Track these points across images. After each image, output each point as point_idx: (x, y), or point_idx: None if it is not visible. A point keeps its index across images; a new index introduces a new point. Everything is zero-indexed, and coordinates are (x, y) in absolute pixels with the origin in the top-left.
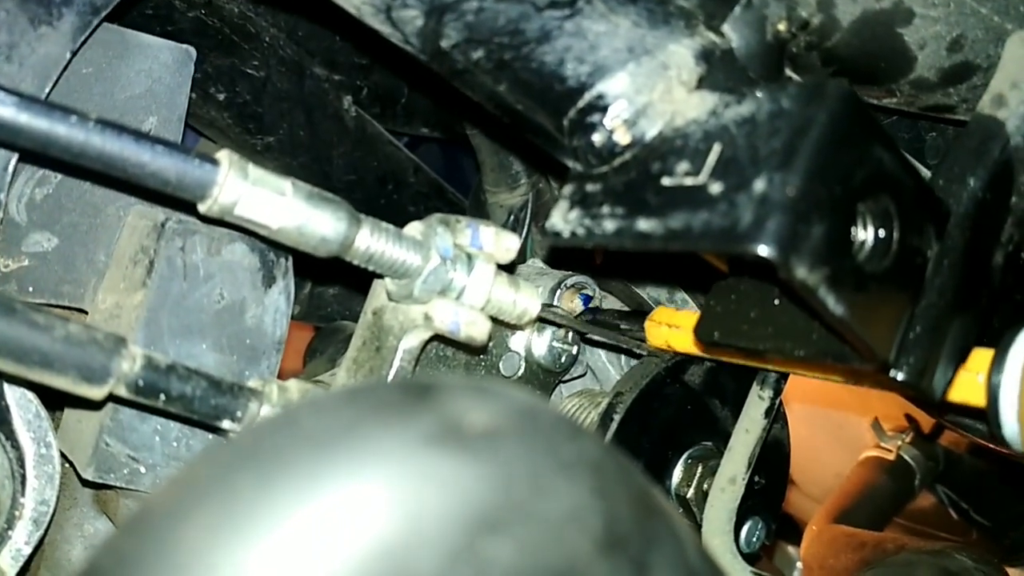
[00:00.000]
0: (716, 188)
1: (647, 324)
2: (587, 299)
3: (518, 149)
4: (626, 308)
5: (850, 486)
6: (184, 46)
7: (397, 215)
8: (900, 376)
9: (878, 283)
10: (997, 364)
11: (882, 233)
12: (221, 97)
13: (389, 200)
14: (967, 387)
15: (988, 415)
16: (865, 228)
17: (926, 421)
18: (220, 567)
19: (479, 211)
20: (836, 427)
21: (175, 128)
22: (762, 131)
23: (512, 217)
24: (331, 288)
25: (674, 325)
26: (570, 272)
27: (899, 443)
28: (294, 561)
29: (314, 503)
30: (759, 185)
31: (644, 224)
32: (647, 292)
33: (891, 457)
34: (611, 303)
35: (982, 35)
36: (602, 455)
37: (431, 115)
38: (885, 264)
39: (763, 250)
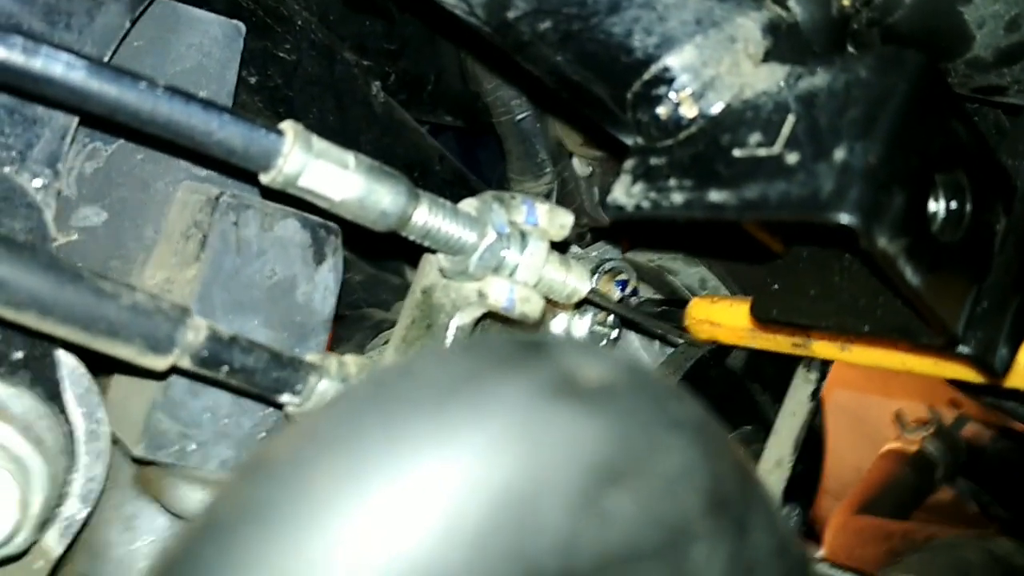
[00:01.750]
0: (793, 158)
1: (688, 311)
2: (623, 284)
3: (545, 137)
4: (660, 296)
5: (872, 478)
6: (234, 21)
7: None
8: (967, 350)
9: (950, 256)
10: None
11: (955, 205)
12: (253, 80)
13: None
14: None
15: None
16: (938, 200)
17: (949, 414)
18: (352, 513)
19: None
20: (857, 422)
21: (224, 103)
22: (839, 101)
23: None
24: (357, 276)
25: (714, 317)
26: (607, 256)
27: (921, 436)
28: (424, 507)
29: (441, 451)
30: (839, 154)
31: (716, 195)
32: (679, 279)
33: (913, 449)
34: (643, 289)
35: None
36: (706, 418)
37: (456, 103)
38: (957, 237)
39: (846, 218)
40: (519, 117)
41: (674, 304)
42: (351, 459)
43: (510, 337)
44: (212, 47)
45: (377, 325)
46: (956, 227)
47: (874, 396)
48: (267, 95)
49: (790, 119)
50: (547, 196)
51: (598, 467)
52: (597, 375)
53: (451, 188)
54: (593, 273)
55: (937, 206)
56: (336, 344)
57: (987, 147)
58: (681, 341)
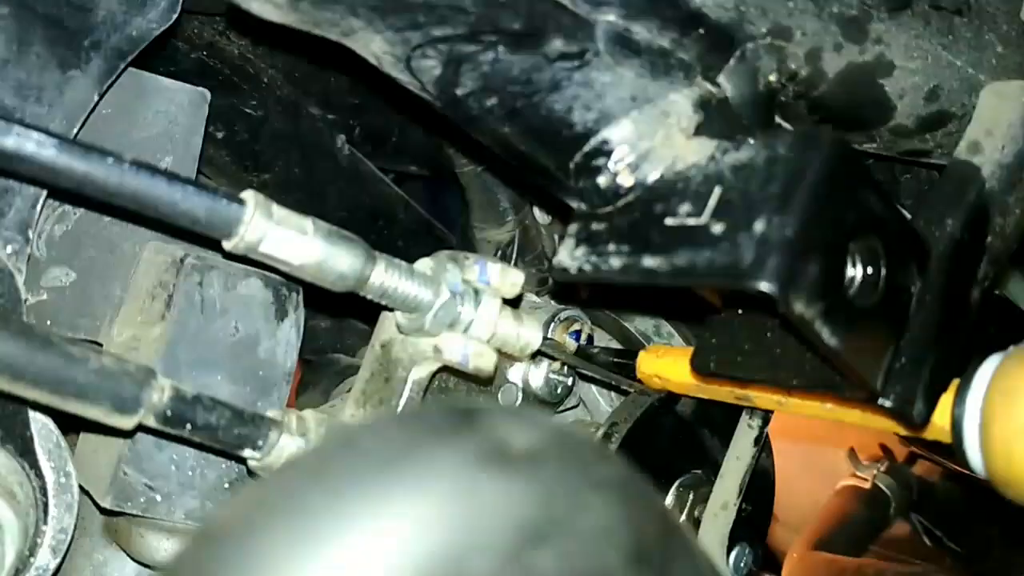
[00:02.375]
0: (718, 228)
1: (638, 364)
2: (577, 335)
3: (505, 187)
4: (616, 342)
5: (827, 514)
6: (200, 89)
7: (387, 250)
8: (887, 404)
9: (867, 317)
10: (960, 396)
11: (871, 271)
12: (220, 135)
13: (380, 236)
14: (943, 416)
15: (953, 444)
16: (855, 266)
17: (900, 451)
18: None
19: (467, 247)
20: (812, 458)
21: (189, 168)
22: (760, 175)
23: (500, 253)
24: (323, 322)
25: (660, 371)
26: (563, 306)
27: (874, 472)
28: (363, 570)
29: (378, 522)
30: (759, 226)
31: (649, 261)
32: (634, 326)
33: (867, 486)
34: (600, 336)
35: (957, 85)
36: (628, 476)
37: (420, 154)
38: (874, 299)
39: (765, 286)
40: (480, 168)
41: (627, 355)
42: (293, 530)
43: (446, 407)
44: (178, 114)
45: (342, 371)
46: (872, 290)
47: (830, 433)
48: (234, 150)
49: (717, 191)
50: (509, 243)
51: (524, 529)
52: (525, 442)
53: (416, 236)
54: (549, 323)
55: (854, 271)
56: (303, 389)
57: (900, 215)
58: (633, 390)
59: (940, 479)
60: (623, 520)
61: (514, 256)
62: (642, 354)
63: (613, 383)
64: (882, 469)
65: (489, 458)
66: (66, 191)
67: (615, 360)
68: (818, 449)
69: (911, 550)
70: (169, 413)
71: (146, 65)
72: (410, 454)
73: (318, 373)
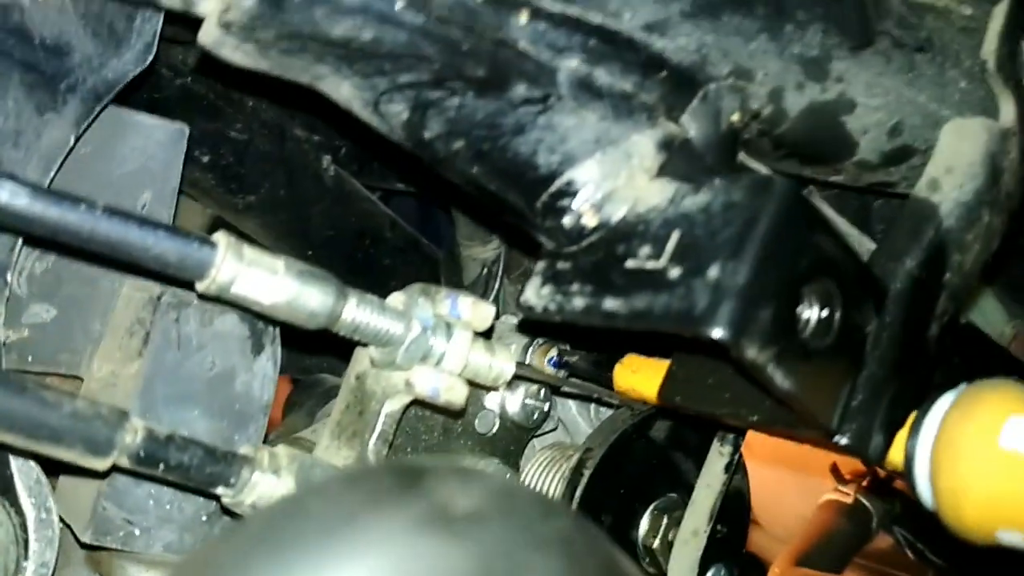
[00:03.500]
0: (675, 272)
1: (616, 372)
2: (556, 362)
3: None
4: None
5: (811, 529)
6: (178, 124)
7: (374, 269)
8: (843, 441)
9: (822, 357)
10: (914, 430)
11: (825, 312)
12: (205, 159)
13: (367, 254)
14: (900, 451)
15: (906, 477)
16: (810, 308)
17: None
18: None
19: (453, 264)
20: (798, 471)
21: (169, 202)
22: (716, 221)
23: (485, 270)
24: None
25: (636, 385)
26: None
27: (856, 487)
28: None
29: None
30: (713, 272)
31: (610, 303)
32: None
33: (849, 500)
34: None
35: (920, 121)
36: (572, 529)
37: (407, 171)
38: (828, 340)
39: (716, 333)
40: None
41: (607, 364)
42: None
43: (394, 467)
44: (156, 150)
45: (328, 392)
46: (827, 331)
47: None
48: (219, 173)
49: (675, 235)
50: (495, 261)
51: None
52: (468, 503)
53: (403, 254)
54: (527, 347)
55: (809, 313)
56: (289, 409)
57: (855, 257)
58: (615, 403)
59: None
60: None
61: (499, 274)
62: (618, 367)
63: (595, 396)
64: (864, 484)
65: (431, 521)
66: (40, 238)
67: (595, 371)
68: (804, 463)
69: (894, 563)
70: (142, 454)
71: (131, 92)
72: (353, 520)
73: (304, 394)
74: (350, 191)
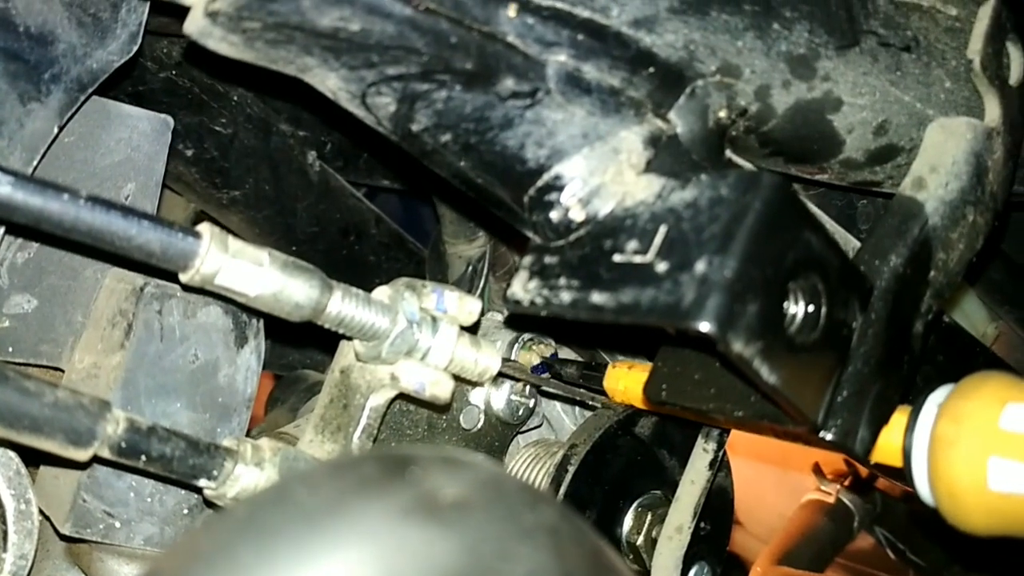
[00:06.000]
0: (662, 267)
1: (605, 381)
2: (541, 368)
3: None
4: (581, 358)
5: (792, 528)
6: (162, 116)
7: (359, 265)
8: (828, 437)
9: (808, 353)
10: (910, 427)
11: (811, 308)
12: (189, 153)
13: (351, 251)
14: (887, 447)
15: (904, 474)
16: (796, 303)
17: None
18: None
19: (438, 261)
20: (780, 470)
21: (152, 194)
22: (703, 216)
23: (470, 268)
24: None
25: (627, 387)
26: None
27: (838, 487)
28: None
29: (307, 573)
30: (700, 266)
31: (597, 297)
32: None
33: (831, 500)
34: (566, 352)
35: (905, 120)
36: (559, 519)
37: (392, 168)
38: (814, 336)
39: (704, 327)
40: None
41: (595, 368)
42: None
43: (381, 455)
44: (141, 141)
45: (311, 387)
46: (813, 326)
47: (796, 448)
48: (203, 167)
49: (662, 230)
50: (480, 258)
51: None
52: (454, 491)
53: (387, 251)
54: (514, 343)
55: (795, 308)
56: (272, 404)
57: (841, 253)
58: (598, 405)
59: (903, 493)
60: (552, 566)
61: (484, 272)
62: (609, 370)
63: (578, 399)
64: (846, 484)
65: (417, 509)
66: (22, 227)
67: (582, 373)
68: (786, 463)
69: (875, 563)
70: (124, 445)
71: (115, 85)
72: (339, 508)
73: (286, 390)
74: (335, 187)
